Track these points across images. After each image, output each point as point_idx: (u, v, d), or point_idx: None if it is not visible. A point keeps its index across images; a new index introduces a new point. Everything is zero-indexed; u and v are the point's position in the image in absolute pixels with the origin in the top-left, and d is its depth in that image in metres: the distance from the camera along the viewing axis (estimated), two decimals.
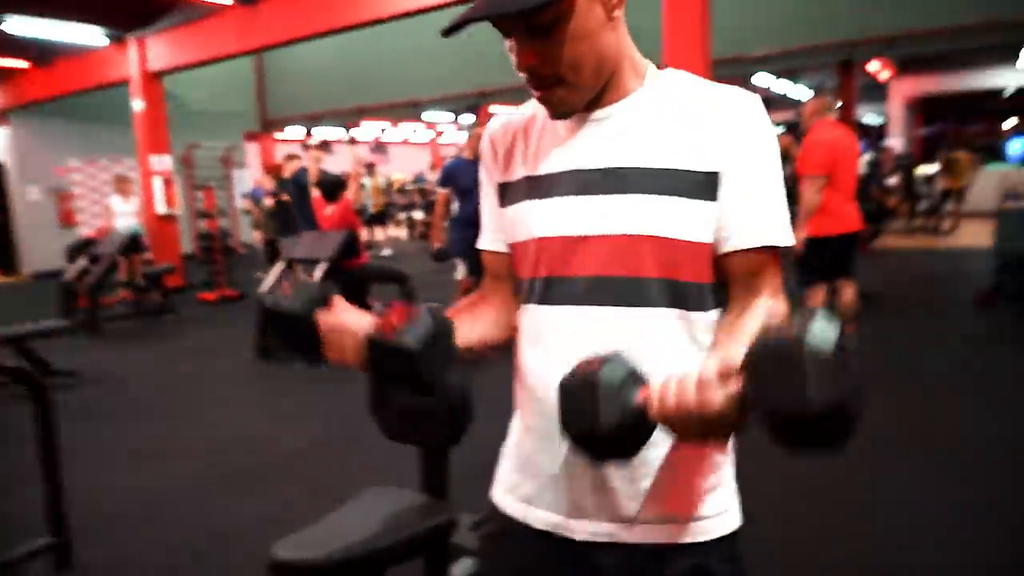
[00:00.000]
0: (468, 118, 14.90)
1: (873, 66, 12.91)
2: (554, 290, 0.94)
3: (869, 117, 20.34)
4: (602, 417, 0.71)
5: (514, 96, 12.49)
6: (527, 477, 1.00)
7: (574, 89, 0.88)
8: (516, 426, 1.05)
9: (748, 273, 0.91)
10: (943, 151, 11.98)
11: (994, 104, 17.28)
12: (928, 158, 14.01)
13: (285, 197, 6.93)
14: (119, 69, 9.57)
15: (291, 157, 7.19)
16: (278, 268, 5.66)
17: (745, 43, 9.38)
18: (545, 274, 0.95)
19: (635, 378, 0.74)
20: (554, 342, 0.94)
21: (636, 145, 0.90)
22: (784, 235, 0.91)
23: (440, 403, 1.82)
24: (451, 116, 17.38)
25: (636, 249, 0.88)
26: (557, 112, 0.92)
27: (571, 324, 0.92)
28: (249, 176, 14.22)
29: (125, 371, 5.45)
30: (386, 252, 12.22)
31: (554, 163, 0.95)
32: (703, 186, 0.88)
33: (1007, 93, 16.50)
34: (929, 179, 12.14)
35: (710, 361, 0.72)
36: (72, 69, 10.29)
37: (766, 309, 0.90)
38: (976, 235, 10.51)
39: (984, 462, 3.05)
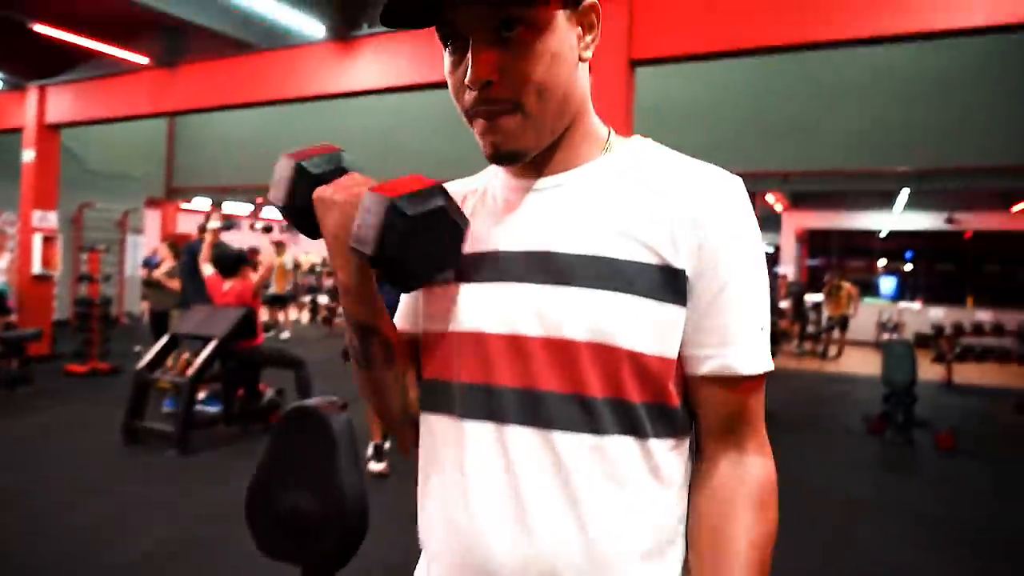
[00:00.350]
0: None
1: (770, 197, 13.92)
2: (474, 401, 0.74)
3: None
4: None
5: None
6: None
7: (531, 122, 0.71)
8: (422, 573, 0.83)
9: (727, 410, 0.74)
10: (828, 280, 12.90)
11: (871, 243, 18.98)
12: (814, 287, 15.05)
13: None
14: (12, 117, 8.97)
15: (204, 229, 6.67)
16: (162, 343, 5.18)
17: None
18: (465, 379, 0.75)
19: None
20: (472, 469, 0.74)
21: (587, 226, 0.73)
22: (768, 359, 0.74)
23: (330, 513, 1.56)
24: None
25: (576, 358, 0.70)
26: (503, 150, 0.73)
27: (493, 448, 0.73)
28: (146, 243, 13.48)
29: None
30: (284, 335, 11.66)
31: (488, 240, 0.77)
32: (666, 285, 0.70)
33: (882, 235, 18.18)
34: (816, 306, 12.98)
35: None
36: None
37: (756, 502, 0.72)
38: (860, 362, 11.17)
39: None
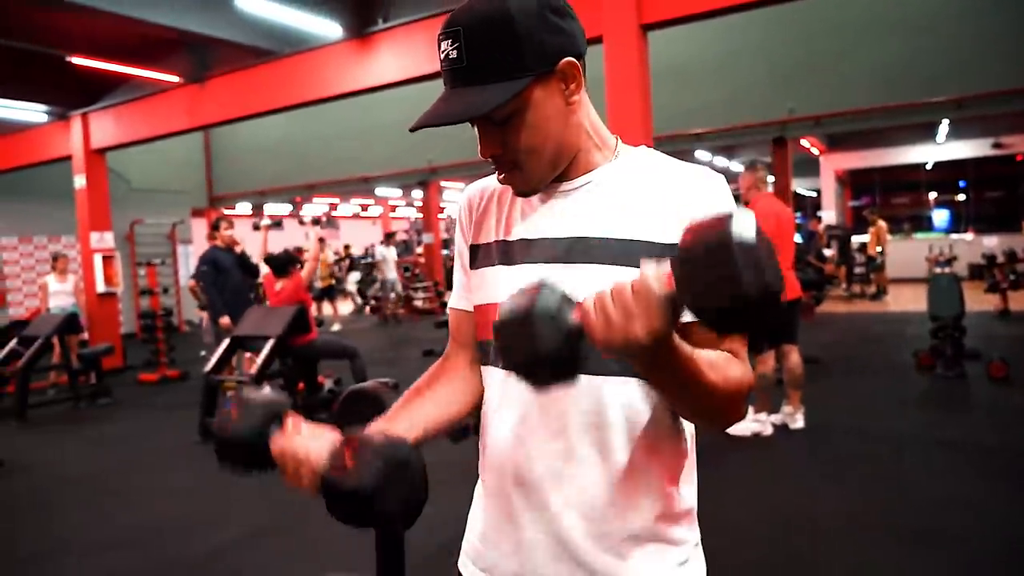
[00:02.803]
0: (419, 193, 15.07)
1: (805, 142, 13.64)
2: None
3: (801, 189, 21.38)
4: (540, 343, 0.70)
5: (463, 172, 12.73)
6: (488, 545, 0.99)
7: (530, 174, 0.93)
8: (479, 490, 1.05)
9: (712, 347, 0.90)
10: (871, 219, 12.67)
11: (915, 177, 18.43)
12: (860, 228, 14.74)
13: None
14: (60, 146, 9.43)
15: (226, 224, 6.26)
16: (224, 346, 5.49)
17: (683, 121, 9.89)
18: None
19: (569, 301, 0.73)
20: (508, 407, 0.96)
21: (600, 216, 0.93)
22: None
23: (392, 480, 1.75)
24: (400, 192, 17.56)
25: None
26: (517, 192, 0.97)
27: (525, 390, 0.91)
28: (194, 252, 14.00)
29: (55, 459, 5.13)
30: (335, 328, 12.04)
31: (524, 230, 0.98)
32: (665, 257, 0.87)
33: (928, 167, 17.63)
34: (862, 247, 12.77)
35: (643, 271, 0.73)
36: (10, 146, 10.10)
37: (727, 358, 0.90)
38: (912, 300, 10.99)
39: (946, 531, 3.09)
